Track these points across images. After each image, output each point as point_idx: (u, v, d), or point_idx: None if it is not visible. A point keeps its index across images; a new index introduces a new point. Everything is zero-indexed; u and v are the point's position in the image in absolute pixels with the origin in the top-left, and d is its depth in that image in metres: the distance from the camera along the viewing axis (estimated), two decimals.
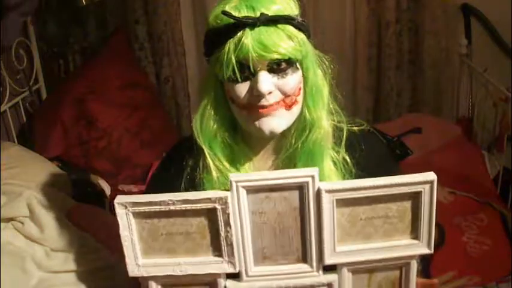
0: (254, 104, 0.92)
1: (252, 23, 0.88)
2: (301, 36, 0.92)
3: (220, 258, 0.85)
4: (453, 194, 1.94)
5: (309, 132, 0.97)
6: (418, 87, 2.68)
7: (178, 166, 1.04)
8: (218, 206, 0.81)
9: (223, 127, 0.99)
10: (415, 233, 0.85)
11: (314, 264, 0.86)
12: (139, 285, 0.89)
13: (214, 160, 0.99)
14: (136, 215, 0.83)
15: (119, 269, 1.47)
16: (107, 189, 2.08)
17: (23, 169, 1.80)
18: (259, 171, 0.96)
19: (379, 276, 0.89)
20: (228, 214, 0.82)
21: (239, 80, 0.91)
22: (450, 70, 2.63)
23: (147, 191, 1.20)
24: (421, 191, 0.82)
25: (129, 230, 0.83)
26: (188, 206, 0.82)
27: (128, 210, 0.82)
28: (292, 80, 0.92)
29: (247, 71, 0.90)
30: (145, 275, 0.86)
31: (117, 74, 2.35)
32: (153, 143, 2.34)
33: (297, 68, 0.93)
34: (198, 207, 0.82)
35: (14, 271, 1.39)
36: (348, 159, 1.00)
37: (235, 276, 0.87)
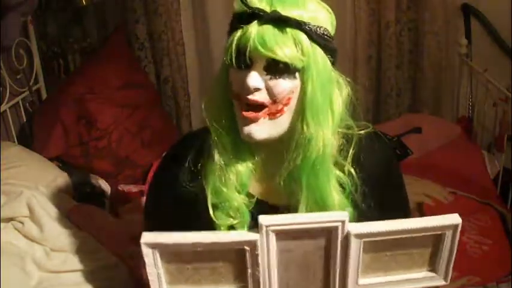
0: (242, 96, 0.91)
1: (261, 16, 0.87)
2: (312, 47, 0.89)
3: None
4: (453, 194, 1.94)
5: (308, 149, 0.93)
6: (418, 87, 2.68)
7: (181, 160, 1.03)
8: (247, 248, 0.81)
9: (228, 112, 0.96)
10: (432, 266, 0.87)
11: None
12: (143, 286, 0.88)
13: (219, 140, 0.97)
14: (163, 254, 0.82)
15: (118, 269, 1.47)
16: (107, 189, 2.08)
17: (23, 169, 1.81)
18: (285, 215, 0.88)
19: None
20: (257, 255, 0.81)
21: (234, 66, 0.90)
22: (450, 70, 2.63)
23: (150, 190, 1.20)
24: (444, 233, 0.84)
25: (155, 267, 0.82)
26: (216, 248, 0.81)
27: (155, 249, 0.81)
28: (284, 84, 0.89)
29: (244, 61, 0.88)
30: None
31: (117, 74, 2.35)
32: (153, 143, 2.34)
33: (295, 77, 0.90)
34: (226, 249, 0.82)
35: (14, 271, 1.39)
36: (354, 173, 0.97)
37: None
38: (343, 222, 0.81)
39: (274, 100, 0.90)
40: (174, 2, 2.52)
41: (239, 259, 0.83)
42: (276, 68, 0.89)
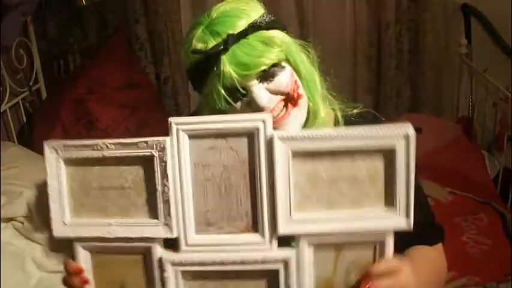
0: None
1: (222, 50, 0.84)
2: (277, 34, 0.89)
3: (156, 220, 0.72)
4: (453, 194, 1.95)
5: (313, 122, 0.92)
6: (418, 87, 2.68)
7: None
8: (155, 153, 0.71)
9: None
10: (389, 201, 0.70)
11: (266, 234, 0.71)
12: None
13: None
14: (68, 161, 0.71)
15: None
16: None
17: (23, 169, 1.80)
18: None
19: (348, 257, 0.73)
20: (166, 163, 0.70)
21: (233, 104, 0.87)
22: (450, 70, 2.63)
23: None
24: (394, 148, 0.68)
25: (58, 179, 0.72)
26: (123, 152, 0.71)
27: (59, 154, 0.71)
28: (283, 78, 0.88)
29: (238, 93, 0.86)
30: (71, 235, 0.74)
31: (117, 74, 2.35)
32: None
33: (283, 66, 0.89)
34: (134, 154, 0.71)
35: (14, 271, 1.39)
36: None
37: (174, 248, 0.75)
38: (264, 121, 0.70)
39: (285, 94, 0.89)
40: (174, 2, 2.52)
41: (149, 177, 0.71)
42: (268, 73, 0.87)
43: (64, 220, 0.74)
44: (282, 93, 0.89)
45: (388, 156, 0.68)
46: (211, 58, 0.85)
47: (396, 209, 0.70)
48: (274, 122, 0.83)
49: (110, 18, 2.58)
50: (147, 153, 0.71)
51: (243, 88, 0.86)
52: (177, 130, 0.71)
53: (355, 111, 1.00)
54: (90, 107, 2.20)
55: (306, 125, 0.92)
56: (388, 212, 0.70)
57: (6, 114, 2.13)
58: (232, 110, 0.87)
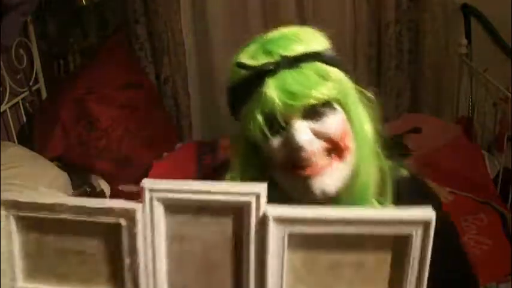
0: (296, 163, 0.77)
1: (271, 70, 0.75)
2: (336, 72, 0.79)
3: None
4: (453, 194, 1.94)
5: (354, 182, 0.80)
6: (418, 87, 2.68)
7: None
8: (123, 222, 0.57)
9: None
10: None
11: None
12: None
13: None
14: (20, 220, 0.60)
15: None
16: (107, 189, 2.08)
17: (23, 169, 1.80)
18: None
19: None
20: (135, 235, 0.57)
21: (269, 136, 0.77)
22: (450, 70, 2.63)
23: None
24: (411, 235, 0.56)
25: (9, 238, 0.61)
26: (84, 218, 0.58)
27: (10, 212, 0.60)
28: (332, 122, 0.77)
29: (277, 125, 0.76)
30: None
31: (117, 74, 2.35)
32: (153, 143, 2.34)
33: (335, 108, 0.78)
34: (97, 221, 0.58)
35: None
36: None
37: None
38: (257, 196, 0.55)
39: (331, 142, 0.78)
40: (174, 2, 2.52)
41: (116, 246, 0.60)
42: (316, 111, 0.77)
43: (14, 285, 0.62)
44: (327, 140, 0.78)
45: (402, 242, 0.57)
46: (256, 78, 0.76)
47: None
48: (311, 170, 0.77)
49: (110, 18, 2.58)
50: (113, 222, 0.58)
51: (284, 122, 0.76)
52: (151, 198, 0.57)
53: (403, 172, 0.89)
54: (90, 107, 2.20)
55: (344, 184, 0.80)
56: None
57: (6, 114, 2.13)
58: (266, 146, 0.78)
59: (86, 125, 2.20)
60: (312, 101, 0.75)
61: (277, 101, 0.74)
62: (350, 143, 0.79)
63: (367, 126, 0.82)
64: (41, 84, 2.40)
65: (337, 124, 0.78)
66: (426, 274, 0.57)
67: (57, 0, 2.46)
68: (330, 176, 0.78)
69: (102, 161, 2.21)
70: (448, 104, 2.70)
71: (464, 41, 2.54)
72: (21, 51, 2.21)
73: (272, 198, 0.60)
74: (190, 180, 0.58)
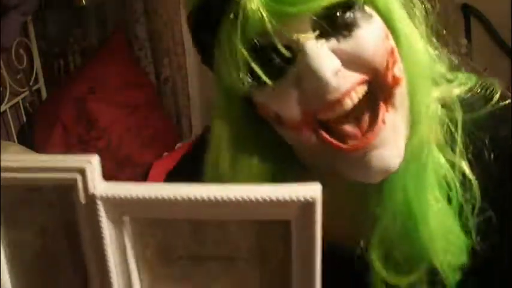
0: (325, 119, 0.49)
1: None
2: None
3: None
4: None
5: (414, 130, 0.52)
6: None
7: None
8: None
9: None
10: None
11: None
12: None
13: None
14: None
15: None
16: None
17: None
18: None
19: None
20: None
21: (268, 80, 0.48)
22: (450, 70, 2.62)
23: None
24: (288, 220, 0.40)
25: None
26: None
27: None
28: (369, 35, 0.47)
29: (277, 58, 0.47)
30: None
31: (117, 74, 2.35)
32: (153, 143, 2.34)
33: (369, 15, 0.48)
34: None
35: None
36: (471, 175, 0.54)
37: None
38: (82, 172, 0.43)
39: (369, 68, 0.48)
40: (174, 2, 2.52)
41: None
42: (334, 21, 0.47)
43: None
44: (364, 67, 0.48)
45: (278, 228, 0.42)
46: None
47: None
48: (359, 141, 0.49)
49: (109, 18, 2.58)
50: None
51: (288, 49, 0.47)
52: None
53: (490, 104, 0.58)
54: (90, 107, 2.20)
55: None
56: None
57: (6, 114, 2.13)
58: (265, 97, 0.49)
59: (86, 125, 2.20)
60: (326, 2, 0.45)
61: (265, 14, 0.45)
62: (400, 69, 0.49)
63: (422, 45, 0.54)
64: (41, 84, 2.40)
65: (377, 39, 0.48)
66: (318, 272, 0.42)
67: (57, 0, 2.46)
68: (389, 142, 0.48)
69: (102, 161, 2.20)
70: None
71: (464, 41, 2.54)
72: (21, 51, 2.21)
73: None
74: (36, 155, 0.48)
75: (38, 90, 2.40)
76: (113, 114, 2.25)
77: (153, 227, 0.44)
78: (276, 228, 0.42)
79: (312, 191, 0.40)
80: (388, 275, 0.54)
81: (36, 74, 2.36)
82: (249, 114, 0.53)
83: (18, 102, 2.23)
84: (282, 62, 0.47)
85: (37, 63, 2.36)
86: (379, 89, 0.48)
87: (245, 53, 0.47)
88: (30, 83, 2.32)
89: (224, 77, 0.50)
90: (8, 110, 2.13)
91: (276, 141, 0.53)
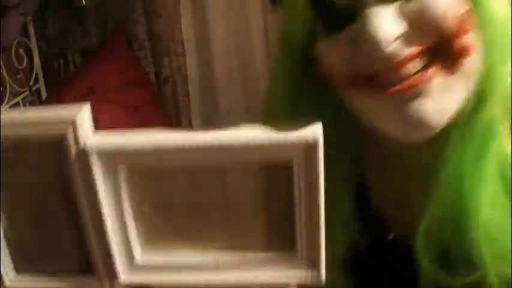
0: (372, 77, 0.46)
1: None
2: None
3: None
4: None
5: (475, 111, 0.47)
6: None
7: None
8: None
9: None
10: (284, 240, 0.42)
11: (104, 281, 0.46)
12: None
13: None
14: None
15: None
16: None
17: None
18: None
19: None
20: None
21: (329, 32, 0.47)
22: None
23: None
24: (291, 164, 0.40)
25: None
26: None
27: None
28: None
29: (339, 11, 0.46)
30: None
31: (117, 74, 2.35)
32: None
33: None
34: None
35: None
36: None
37: None
38: (73, 123, 0.41)
39: (434, 37, 0.44)
40: (174, 2, 2.52)
41: None
42: None
43: None
44: (432, 31, 0.44)
45: (281, 174, 0.41)
46: None
47: (297, 255, 0.42)
48: (403, 86, 0.45)
49: (110, 18, 2.58)
50: None
51: (350, 8, 0.46)
52: None
53: None
54: (91, 106, 2.20)
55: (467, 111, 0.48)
56: (284, 257, 0.43)
57: None
58: (322, 49, 0.48)
59: None
60: None
61: None
62: (472, 39, 0.45)
63: (506, 15, 0.47)
64: (41, 84, 2.40)
65: (447, 2, 0.44)
66: (322, 220, 0.41)
67: (57, 0, 2.46)
68: (434, 98, 0.45)
69: None
70: None
71: None
72: (21, 51, 2.21)
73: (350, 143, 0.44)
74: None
75: (38, 90, 2.40)
76: (113, 114, 2.25)
77: (149, 178, 0.43)
78: (278, 172, 0.41)
79: (313, 131, 0.39)
80: (434, 271, 0.49)
81: (36, 74, 2.36)
82: (308, 74, 0.51)
83: (18, 102, 2.23)
84: (344, 16, 0.46)
85: (37, 63, 2.36)
86: (444, 56, 0.44)
87: (308, 3, 0.47)
88: (30, 83, 2.31)
89: (287, 23, 0.50)
90: (8, 110, 2.13)
91: (335, 108, 0.51)
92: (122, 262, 0.45)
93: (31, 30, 2.29)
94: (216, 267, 0.44)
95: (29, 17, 2.22)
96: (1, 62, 2.07)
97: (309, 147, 0.39)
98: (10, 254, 0.48)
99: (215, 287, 0.44)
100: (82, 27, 2.58)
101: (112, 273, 0.46)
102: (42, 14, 2.44)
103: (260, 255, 0.43)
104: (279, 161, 0.40)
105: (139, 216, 0.45)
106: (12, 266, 0.49)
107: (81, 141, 0.42)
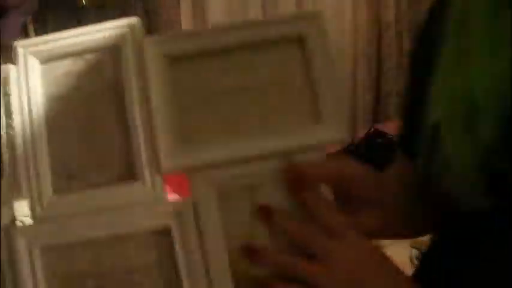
0: None
1: None
2: None
3: None
4: None
5: None
6: None
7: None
8: None
9: None
10: (310, 110, 0.49)
11: (147, 180, 0.49)
12: None
13: None
14: None
15: None
16: None
17: None
18: None
19: (269, 199, 0.49)
20: (9, 97, 0.51)
21: None
22: None
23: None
24: (306, 37, 0.50)
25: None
26: None
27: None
28: None
29: None
30: None
31: None
32: None
33: None
34: None
35: None
36: None
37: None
38: (131, 27, 0.51)
39: None
40: (174, 2, 2.52)
41: None
42: None
43: None
44: None
45: (297, 50, 0.50)
46: None
47: (322, 119, 0.49)
48: None
49: (110, 18, 2.58)
50: None
51: None
52: (24, 54, 0.54)
53: None
54: None
55: None
56: (311, 124, 0.49)
57: None
58: None
59: None
60: None
61: None
62: None
63: None
64: None
65: None
66: (336, 85, 0.49)
67: (57, 0, 2.46)
68: None
69: None
70: None
71: None
72: None
73: None
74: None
75: None
76: None
77: (188, 66, 0.50)
78: (292, 51, 0.49)
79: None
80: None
81: None
82: None
83: None
84: None
85: None
86: None
87: None
88: None
89: None
90: None
91: None
92: (164, 153, 0.49)
93: (31, 30, 2.29)
94: (254, 141, 0.49)
95: (29, 17, 2.22)
96: (1, 62, 2.07)
97: (318, 19, 0.50)
98: (51, 171, 0.50)
99: (255, 155, 0.49)
100: (82, 27, 2.58)
101: (157, 172, 0.49)
102: (42, 14, 2.44)
103: (294, 124, 0.50)
104: (295, 38, 0.50)
105: (182, 108, 0.50)
106: (50, 186, 0.50)
107: (138, 42, 0.49)
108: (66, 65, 0.51)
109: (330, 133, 0.49)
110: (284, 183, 0.48)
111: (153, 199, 0.49)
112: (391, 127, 2.39)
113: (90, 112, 0.50)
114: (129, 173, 0.50)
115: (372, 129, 2.44)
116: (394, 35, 2.56)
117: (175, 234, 0.49)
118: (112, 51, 0.50)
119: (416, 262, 1.69)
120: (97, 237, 0.49)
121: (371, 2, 2.54)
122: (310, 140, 0.49)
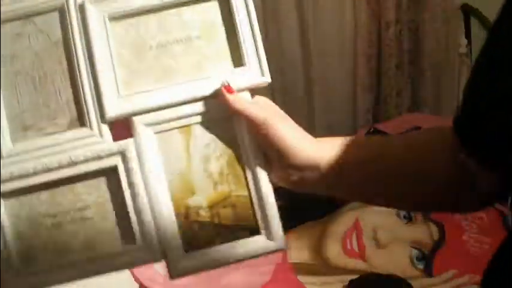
0: None
1: None
2: None
3: None
4: None
5: None
6: (418, 87, 2.69)
7: None
8: None
9: None
10: (237, 59, 0.60)
11: (94, 124, 0.58)
12: None
13: None
14: None
15: None
16: None
17: None
18: None
19: (202, 139, 0.59)
20: None
21: None
22: (450, 70, 2.63)
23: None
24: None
25: None
26: None
27: None
28: None
29: None
30: None
31: None
32: None
33: None
34: None
35: None
36: None
37: None
38: None
39: None
40: None
41: None
42: None
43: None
44: None
45: (222, 5, 0.59)
46: None
47: (247, 65, 0.59)
48: None
49: None
50: None
51: None
52: None
53: None
54: None
55: None
56: (238, 69, 0.59)
57: None
58: None
59: None
60: None
61: None
62: None
63: None
64: None
65: None
66: (259, 35, 0.59)
67: None
68: None
69: None
70: (448, 103, 2.70)
71: (464, 41, 2.54)
72: None
73: None
74: None
75: None
76: None
77: (126, 23, 0.58)
78: (217, 7, 0.59)
79: None
80: None
81: None
82: None
83: None
84: None
85: None
86: None
87: None
88: None
89: None
90: None
91: None
92: (108, 101, 0.58)
93: None
94: (187, 85, 0.59)
95: None
96: (1, 62, 2.08)
97: None
98: (8, 125, 0.58)
99: (189, 98, 0.58)
100: None
101: (102, 118, 0.59)
102: None
103: (223, 70, 0.60)
104: None
105: (121, 62, 0.59)
106: (8, 137, 0.58)
107: (79, 1, 0.57)
108: (17, 27, 0.59)
109: (253, 75, 0.58)
110: (215, 122, 0.57)
111: (100, 142, 0.58)
112: (391, 127, 2.40)
113: (41, 69, 0.59)
114: (79, 122, 0.59)
115: (372, 129, 2.45)
116: (394, 35, 2.56)
117: (121, 171, 0.57)
118: (59, 13, 0.58)
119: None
120: (51, 180, 0.57)
121: (371, 2, 2.54)
122: (236, 83, 0.57)
